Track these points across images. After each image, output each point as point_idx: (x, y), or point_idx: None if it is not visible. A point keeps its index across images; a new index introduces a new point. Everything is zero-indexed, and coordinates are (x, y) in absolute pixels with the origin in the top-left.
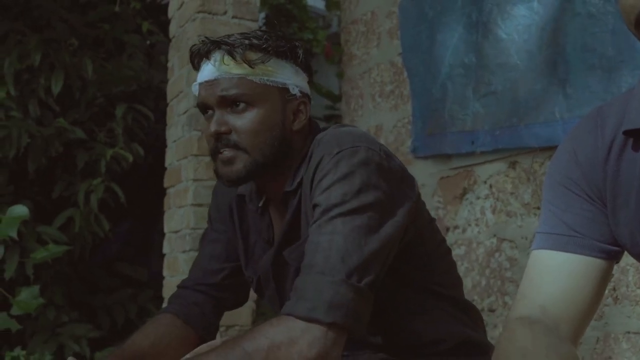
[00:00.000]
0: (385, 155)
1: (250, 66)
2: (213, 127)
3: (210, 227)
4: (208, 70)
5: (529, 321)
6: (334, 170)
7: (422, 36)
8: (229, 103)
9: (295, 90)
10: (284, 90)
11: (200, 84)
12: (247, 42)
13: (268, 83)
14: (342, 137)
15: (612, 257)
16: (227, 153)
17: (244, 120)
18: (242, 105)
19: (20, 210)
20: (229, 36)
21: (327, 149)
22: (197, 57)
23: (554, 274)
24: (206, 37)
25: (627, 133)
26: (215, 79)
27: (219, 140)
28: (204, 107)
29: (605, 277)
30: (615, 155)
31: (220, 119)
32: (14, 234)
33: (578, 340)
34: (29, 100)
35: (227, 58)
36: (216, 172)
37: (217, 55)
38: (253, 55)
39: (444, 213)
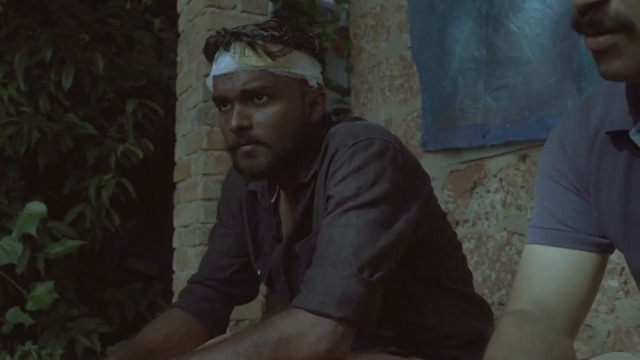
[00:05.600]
0: (400, 147)
1: (272, 58)
2: (235, 122)
3: (219, 223)
4: (226, 63)
5: (518, 314)
6: (349, 162)
7: (433, 30)
8: (250, 96)
9: (313, 82)
10: (302, 82)
11: (217, 76)
12: (266, 33)
13: (289, 75)
14: (357, 129)
15: (604, 250)
16: (247, 147)
17: (265, 115)
18: (264, 98)
19: (38, 207)
20: (244, 27)
21: (342, 141)
22: (214, 49)
23: (546, 269)
24: (223, 29)
25: (609, 133)
26: (234, 72)
27: (240, 135)
28: (221, 100)
29: (598, 270)
30: (598, 150)
31: (241, 113)
32: (33, 231)
33: (575, 332)
34: (39, 96)
35: (247, 50)
36: (236, 166)
37: (236, 47)
38: (273, 47)
39: (453, 207)
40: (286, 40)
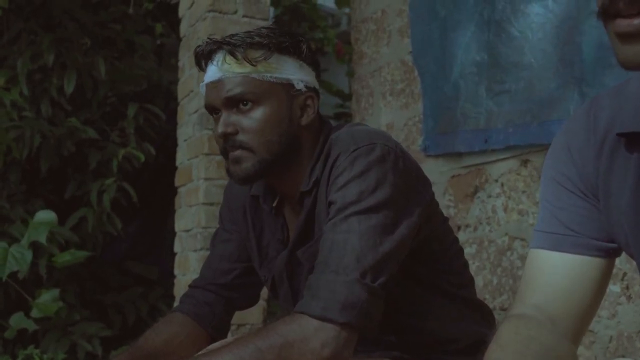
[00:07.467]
0: (402, 153)
1: (252, 64)
2: (220, 129)
3: (221, 227)
4: (212, 71)
5: (518, 318)
6: (350, 167)
7: (434, 34)
8: (235, 103)
9: (300, 85)
10: (288, 85)
11: (205, 84)
12: (248, 40)
13: (271, 80)
14: (359, 135)
15: (610, 255)
16: (234, 153)
17: (250, 120)
18: (248, 104)
19: (48, 215)
20: (232, 35)
21: (343, 147)
22: (201, 59)
23: (549, 274)
24: (209, 38)
25: (620, 135)
26: (219, 80)
27: (227, 142)
28: (211, 109)
29: (604, 275)
30: (607, 153)
31: (226, 120)
32: (43, 240)
33: (579, 338)
34: (42, 100)
35: (228, 57)
36: (227, 171)
37: (219, 56)
38: (254, 53)
39: (455, 212)
40: (267, 45)
